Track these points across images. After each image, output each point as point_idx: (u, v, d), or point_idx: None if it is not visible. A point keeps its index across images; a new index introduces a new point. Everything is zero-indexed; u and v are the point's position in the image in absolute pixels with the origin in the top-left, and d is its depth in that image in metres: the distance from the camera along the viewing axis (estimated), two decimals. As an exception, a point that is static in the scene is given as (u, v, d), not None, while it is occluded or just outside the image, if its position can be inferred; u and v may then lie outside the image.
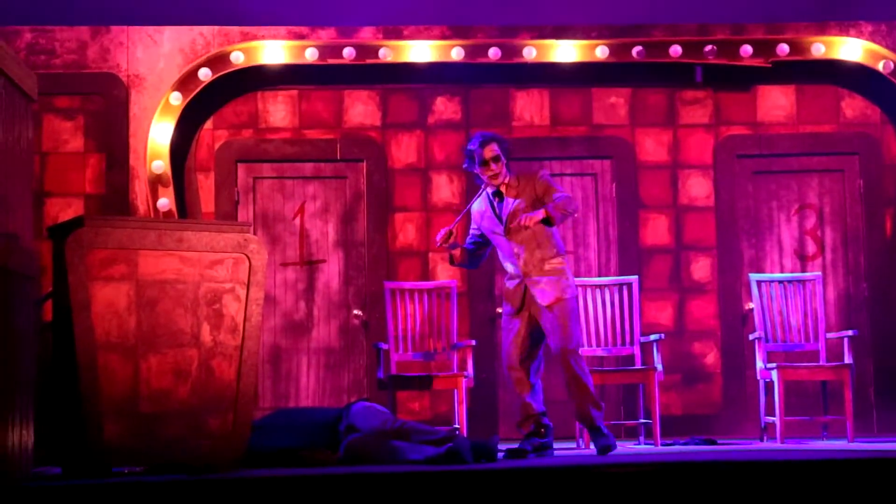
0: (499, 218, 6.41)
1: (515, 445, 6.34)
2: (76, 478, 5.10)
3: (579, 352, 6.35)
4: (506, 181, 6.40)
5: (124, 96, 8.58)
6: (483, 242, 6.57)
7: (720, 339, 8.75)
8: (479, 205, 6.52)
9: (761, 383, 7.60)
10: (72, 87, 8.57)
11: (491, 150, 6.37)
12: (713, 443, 7.37)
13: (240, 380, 5.45)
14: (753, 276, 7.88)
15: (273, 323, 8.68)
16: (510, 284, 6.43)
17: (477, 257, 6.63)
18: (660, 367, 7.33)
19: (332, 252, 8.79)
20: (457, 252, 6.51)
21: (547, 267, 6.35)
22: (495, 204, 6.44)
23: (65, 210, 8.44)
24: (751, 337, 7.76)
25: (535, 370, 6.42)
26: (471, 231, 6.61)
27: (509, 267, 6.44)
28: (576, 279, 7.96)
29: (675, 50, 8.71)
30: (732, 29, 8.81)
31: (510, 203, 6.37)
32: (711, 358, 8.75)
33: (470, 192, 8.80)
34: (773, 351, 7.73)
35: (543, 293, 6.32)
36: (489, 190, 6.44)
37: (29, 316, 5.29)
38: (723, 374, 8.71)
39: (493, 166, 6.37)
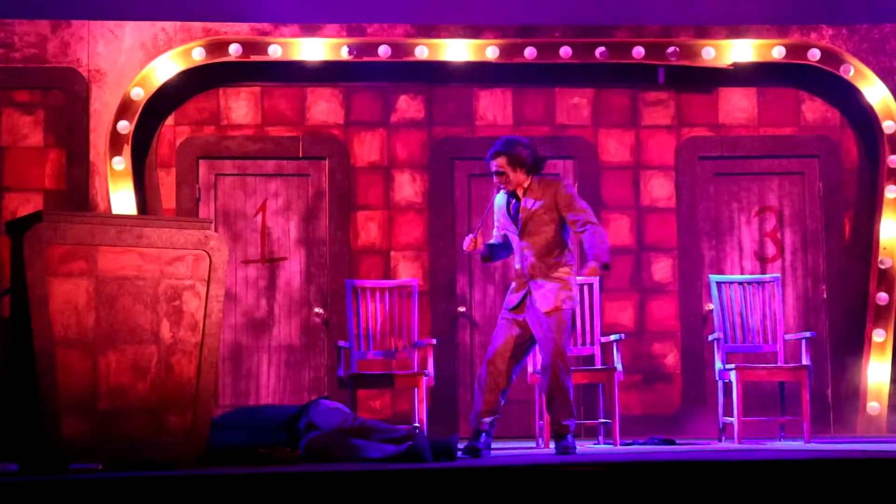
0: (514, 218, 6.46)
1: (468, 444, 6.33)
2: (33, 474, 5.05)
3: (568, 365, 6.36)
4: (525, 185, 6.42)
5: (85, 91, 8.52)
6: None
7: (680, 339, 8.79)
8: (500, 200, 6.57)
9: (720, 384, 7.64)
10: (31, 82, 8.50)
11: (496, 165, 6.41)
12: (672, 443, 7.41)
13: (199, 377, 5.42)
14: (713, 278, 7.93)
15: (234, 320, 8.64)
16: (515, 283, 6.50)
17: (508, 248, 6.67)
18: (620, 367, 7.36)
19: (293, 250, 8.77)
20: (485, 252, 6.59)
21: (554, 274, 6.37)
22: (511, 204, 6.48)
23: (24, 205, 8.37)
24: (710, 338, 7.81)
25: (515, 373, 6.46)
26: (496, 224, 6.67)
27: (518, 266, 6.50)
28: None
29: (638, 51, 8.75)
30: (695, 31, 8.87)
31: (529, 204, 6.40)
32: (671, 358, 8.79)
33: (432, 192, 8.81)
34: (732, 352, 7.78)
35: (544, 298, 6.34)
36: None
37: (-14, 311, 5.25)
38: (682, 374, 8.76)
39: (496, 179, 6.44)
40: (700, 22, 8.88)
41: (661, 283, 8.87)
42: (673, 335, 8.81)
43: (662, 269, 8.89)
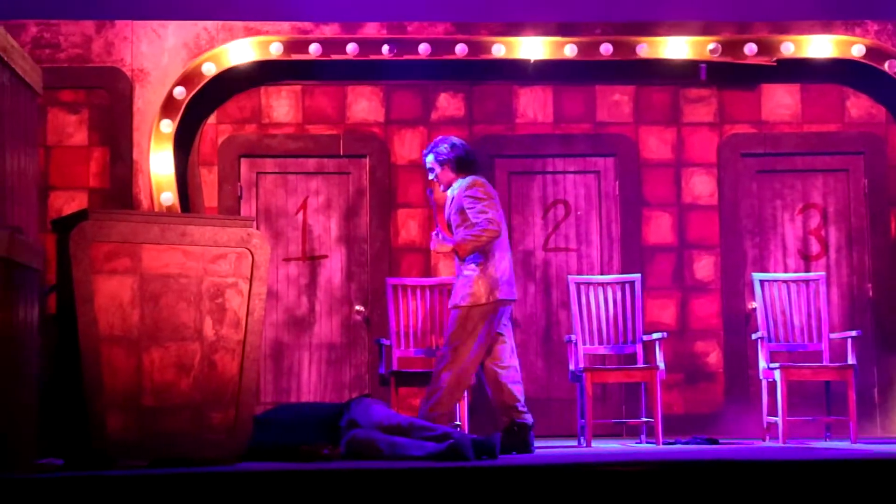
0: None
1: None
2: (79, 470, 5.10)
3: (454, 360, 6.59)
4: (454, 184, 6.77)
5: (128, 90, 8.58)
6: None
7: (723, 338, 8.73)
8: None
9: (764, 383, 7.59)
10: (76, 81, 8.56)
11: (424, 163, 6.89)
12: (715, 442, 7.37)
13: (242, 374, 5.46)
14: (757, 276, 7.88)
15: (275, 318, 8.67)
16: None
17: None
18: (662, 365, 7.32)
19: (334, 248, 8.79)
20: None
21: (463, 271, 6.67)
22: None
23: (69, 203, 8.44)
24: (754, 336, 7.75)
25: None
26: None
27: None
28: (577, 276, 8.00)
29: (680, 48, 8.70)
30: (737, 27, 8.80)
31: (448, 202, 6.81)
32: (714, 357, 8.74)
33: (473, 189, 8.80)
34: (776, 351, 7.72)
35: (453, 293, 6.73)
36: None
37: (33, 308, 5.29)
38: (725, 373, 8.70)
39: (432, 180, 6.88)
40: (742, 18, 8.81)
41: (704, 281, 8.82)
42: (715, 333, 8.75)
43: (705, 266, 8.83)
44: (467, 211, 6.61)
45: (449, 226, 6.80)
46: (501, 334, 6.68)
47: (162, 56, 8.60)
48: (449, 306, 6.74)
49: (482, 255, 6.60)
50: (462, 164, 6.77)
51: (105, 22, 8.61)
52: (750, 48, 8.69)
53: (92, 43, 8.61)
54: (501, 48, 8.66)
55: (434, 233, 6.76)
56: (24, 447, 5.10)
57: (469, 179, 6.70)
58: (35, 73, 5.41)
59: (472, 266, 6.59)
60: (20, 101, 5.22)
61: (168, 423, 5.26)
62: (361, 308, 8.70)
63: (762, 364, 7.56)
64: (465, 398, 7.28)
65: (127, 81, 8.58)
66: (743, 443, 7.42)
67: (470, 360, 6.59)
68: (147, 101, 8.55)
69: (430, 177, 6.86)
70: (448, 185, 6.79)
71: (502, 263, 6.65)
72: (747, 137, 8.90)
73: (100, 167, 8.58)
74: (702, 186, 8.90)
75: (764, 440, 7.58)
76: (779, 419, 7.28)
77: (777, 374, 7.31)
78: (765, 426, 7.58)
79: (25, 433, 5.13)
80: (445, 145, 6.78)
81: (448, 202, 6.82)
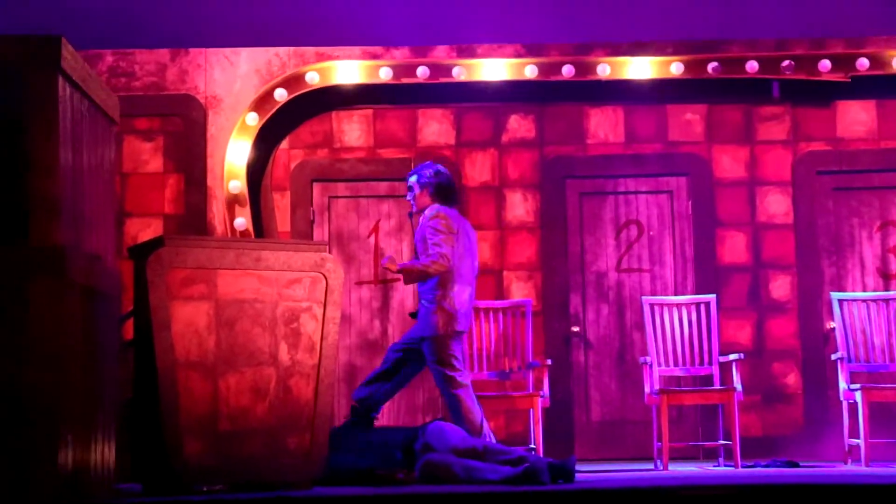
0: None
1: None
2: (157, 495, 5.13)
3: (447, 385, 6.67)
4: (425, 210, 6.82)
5: (202, 117, 8.68)
6: None
7: (801, 358, 8.60)
8: None
9: (844, 404, 7.45)
10: (151, 109, 8.69)
11: (408, 182, 6.94)
12: (795, 465, 7.24)
13: (317, 398, 5.47)
14: (835, 295, 7.75)
15: (348, 341, 8.70)
16: None
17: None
18: (739, 387, 7.23)
19: (406, 271, 8.78)
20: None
21: (422, 301, 6.78)
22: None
23: (144, 230, 8.54)
24: (833, 357, 7.62)
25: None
26: None
27: None
28: (651, 297, 7.92)
29: (752, 65, 8.61)
30: (811, 44, 8.69)
31: (417, 229, 6.89)
32: (792, 378, 8.60)
33: (544, 211, 8.78)
34: (857, 371, 7.58)
35: (417, 325, 6.81)
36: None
37: (112, 334, 5.36)
38: (804, 394, 8.56)
39: (407, 195, 6.95)
40: (815, 34, 8.71)
41: (780, 300, 8.69)
42: (793, 354, 8.61)
43: (781, 286, 8.71)
44: (427, 240, 6.70)
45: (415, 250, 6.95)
46: None
47: (235, 83, 8.69)
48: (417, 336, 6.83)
49: (440, 287, 6.69)
50: (441, 191, 6.85)
51: (179, 50, 8.73)
52: (824, 65, 8.58)
53: (166, 71, 8.73)
54: (572, 69, 8.63)
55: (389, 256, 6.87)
56: (103, 473, 5.15)
57: (435, 209, 6.76)
58: (112, 101, 5.49)
59: (430, 298, 6.71)
60: (98, 129, 5.30)
61: (244, 447, 5.28)
62: (434, 331, 8.68)
63: (842, 385, 7.43)
64: (540, 422, 7.24)
65: (200, 108, 8.68)
66: (824, 466, 7.29)
67: (462, 376, 6.69)
68: (220, 127, 8.65)
69: (408, 196, 6.96)
70: (421, 209, 6.88)
71: (461, 296, 6.73)
72: (822, 155, 8.78)
73: (174, 193, 8.68)
74: (777, 205, 8.78)
75: (846, 463, 7.43)
76: (860, 442, 7.14)
77: (858, 396, 7.17)
78: (846, 449, 7.44)
79: (105, 458, 5.19)
80: (430, 171, 6.89)
81: (418, 227, 6.91)
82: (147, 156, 8.71)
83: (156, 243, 5.36)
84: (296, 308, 5.47)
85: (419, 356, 6.77)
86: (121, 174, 8.59)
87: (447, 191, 6.87)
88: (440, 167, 6.97)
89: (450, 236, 6.67)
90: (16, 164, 4.63)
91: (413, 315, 6.92)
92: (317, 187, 8.85)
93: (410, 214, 7.11)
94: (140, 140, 8.72)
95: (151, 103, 8.68)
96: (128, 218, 8.63)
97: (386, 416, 8.67)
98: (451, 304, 6.67)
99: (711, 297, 7.77)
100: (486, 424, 6.69)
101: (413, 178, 6.92)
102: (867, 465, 7.07)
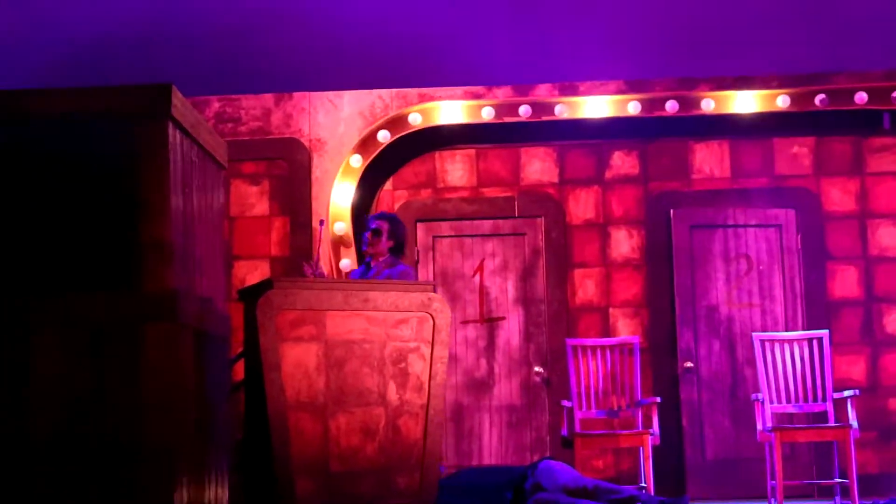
0: None
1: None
2: (269, 536, 5.17)
3: None
4: (381, 258, 6.98)
5: (307, 160, 8.79)
6: None
7: (918, 394, 8.37)
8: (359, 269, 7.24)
9: (965, 441, 7.23)
10: (257, 153, 8.83)
11: (376, 224, 7.03)
12: (916, 504, 7.04)
13: (426, 438, 5.47)
14: (953, 329, 7.54)
15: (454, 380, 8.69)
16: None
17: None
18: (855, 423, 7.05)
19: (511, 309, 8.78)
20: None
21: None
22: (365, 273, 7.05)
23: (252, 272, 8.66)
24: (952, 392, 7.41)
25: None
26: None
27: None
28: (762, 333, 7.78)
29: (861, 97, 8.45)
30: (921, 72, 8.52)
31: (375, 274, 6.97)
32: (910, 414, 8.37)
33: (649, 247, 8.69)
34: (978, 407, 7.35)
35: None
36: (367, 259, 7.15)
37: (223, 376, 5.42)
38: (923, 431, 8.32)
39: (367, 236, 7.02)
40: (927, 63, 8.54)
41: (895, 335, 8.47)
42: (910, 390, 8.39)
43: (895, 321, 8.49)
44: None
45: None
46: None
47: (338, 125, 8.80)
48: None
49: None
50: (399, 249, 7.04)
51: (283, 95, 8.87)
52: (935, 93, 8.39)
53: (271, 115, 8.87)
54: (675, 104, 8.56)
55: (312, 263, 6.91)
56: (216, 512, 5.20)
57: (404, 267, 6.93)
58: (220, 147, 5.59)
59: None
60: (207, 174, 5.39)
61: (355, 487, 5.30)
62: (541, 369, 8.66)
63: (963, 421, 7.20)
64: (651, 460, 7.14)
65: (305, 151, 8.80)
66: (945, 505, 7.06)
67: None
68: (325, 169, 8.75)
69: (368, 233, 7.02)
70: (375, 255, 6.99)
71: None
72: (937, 185, 8.57)
73: (280, 236, 8.80)
74: (889, 238, 8.59)
75: (968, 502, 7.19)
76: (984, 480, 6.91)
77: (980, 432, 6.95)
78: (969, 487, 7.21)
79: (218, 499, 5.24)
80: (404, 227, 7.12)
81: (370, 273, 6.98)
82: (254, 199, 8.85)
83: (265, 286, 5.43)
84: (403, 348, 5.49)
85: None
86: (229, 218, 8.73)
87: (400, 249, 7.09)
88: (403, 225, 7.17)
89: None
90: (129, 210, 4.72)
91: None
92: (421, 227, 8.90)
93: (363, 251, 7.20)
94: (247, 184, 8.86)
95: (257, 147, 8.83)
96: (236, 261, 8.77)
97: (494, 456, 8.64)
98: None
99: (824, 332, 7.62)
100: None
101: (387, 223, 7.06)
102: None
